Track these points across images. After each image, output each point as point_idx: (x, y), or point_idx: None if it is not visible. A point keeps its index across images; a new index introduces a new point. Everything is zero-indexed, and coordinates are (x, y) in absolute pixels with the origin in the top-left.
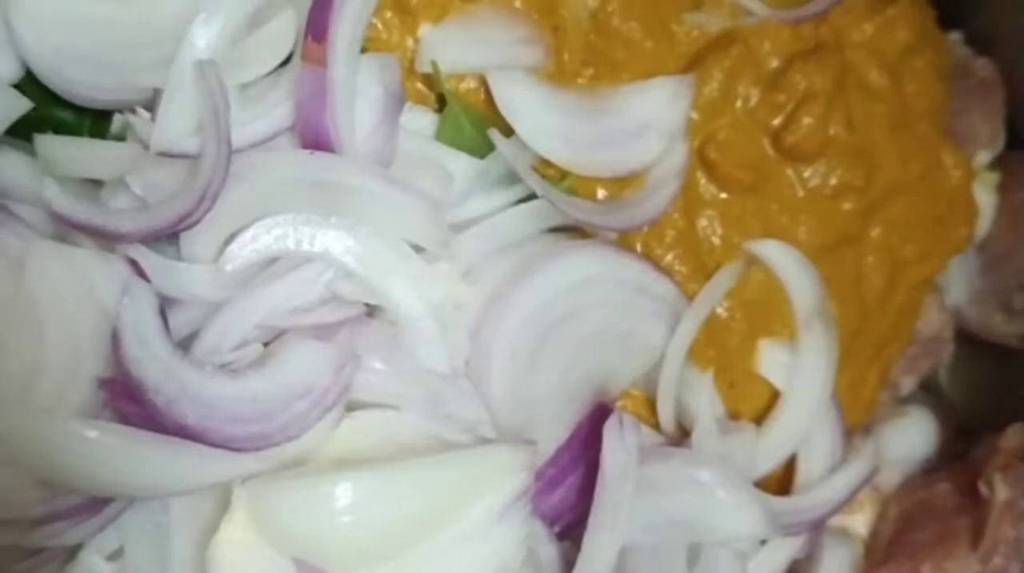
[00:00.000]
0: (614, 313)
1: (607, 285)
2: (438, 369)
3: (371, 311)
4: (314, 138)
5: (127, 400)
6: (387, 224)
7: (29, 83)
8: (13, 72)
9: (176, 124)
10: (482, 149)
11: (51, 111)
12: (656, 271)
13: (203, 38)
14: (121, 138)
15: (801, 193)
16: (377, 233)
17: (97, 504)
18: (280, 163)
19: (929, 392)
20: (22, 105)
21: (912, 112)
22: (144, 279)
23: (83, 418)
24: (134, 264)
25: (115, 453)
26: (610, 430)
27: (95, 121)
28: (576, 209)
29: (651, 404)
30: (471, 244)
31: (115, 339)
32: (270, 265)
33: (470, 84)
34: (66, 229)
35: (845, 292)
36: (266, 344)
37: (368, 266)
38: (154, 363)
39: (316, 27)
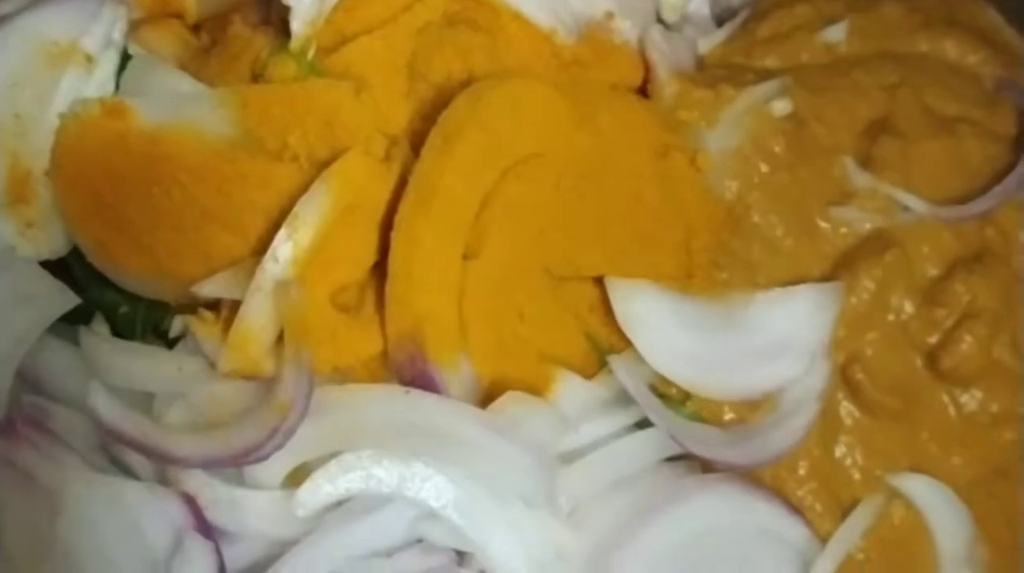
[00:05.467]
0: (738, 563)
1: (732, 533)
2: None
3: (461, 559)
4: (411, 372)
5: None
6: (486, 476)
7: (77, 259)
8: (58, 248)
9: (251, 346)
10: (592, 364)
11: (101, 293)
12: (788, 513)
13: (284, 253)
14: (179, 339)
15: (956, 420)
16: (472, 476)
17: None
18: (369, 400)
19: None
20: (66, 301)
21: None
22: (199, 512)
23: None
24: (190, 502)
25: None
26: None
27: (149, 309)
28: (698, 444)
29: None
30: (579, 481)
31: None
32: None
33: None
34: (112, 441)
35: (998, 534)
36: None
37: (461, 509)
38: None
39: None
